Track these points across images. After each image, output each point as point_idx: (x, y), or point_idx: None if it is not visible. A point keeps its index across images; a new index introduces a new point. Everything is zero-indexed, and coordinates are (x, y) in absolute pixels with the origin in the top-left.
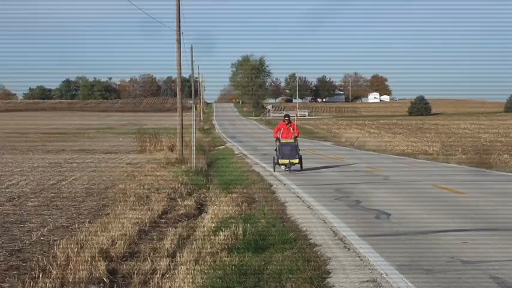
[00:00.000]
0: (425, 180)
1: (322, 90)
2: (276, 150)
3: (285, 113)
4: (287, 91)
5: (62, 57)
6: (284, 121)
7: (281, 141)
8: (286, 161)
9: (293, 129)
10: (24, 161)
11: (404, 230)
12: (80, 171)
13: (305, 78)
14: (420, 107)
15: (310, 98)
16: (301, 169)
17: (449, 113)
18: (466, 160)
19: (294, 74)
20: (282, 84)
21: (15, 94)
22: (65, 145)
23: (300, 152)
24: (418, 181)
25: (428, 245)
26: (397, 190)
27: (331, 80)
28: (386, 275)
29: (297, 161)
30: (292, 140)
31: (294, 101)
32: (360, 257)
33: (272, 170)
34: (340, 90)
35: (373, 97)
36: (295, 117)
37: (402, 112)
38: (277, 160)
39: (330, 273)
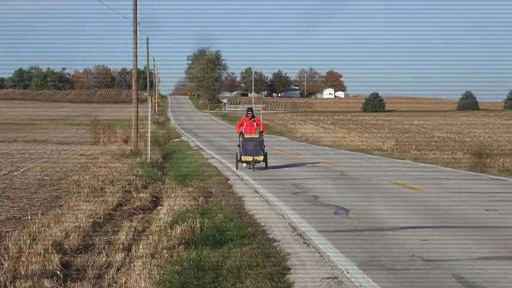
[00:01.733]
0: (382, 176)
1: (278, 85)
2: (238, 146)
3: (248, 106)
4: (243, 85)
5: (15, 47)
6: (247, 115)
7: (245, 136)
8: (250, 158)
9: (257, 124)
10: None
11: (363, 226)
12: (33, 162)
13: (261, 72)
14: (374, 104)
15: (265, 92)
16: (266, 167)
17: (402, 110)
18: (421, 157)
19: (249, 68)
20: (238, 78)
21: None
22: (17, 135)
23: (265, 149)
24: (374, 177)
25: (388, 242)
26: (354, 186)
27: (286, 75)
28: (348, 272)
29: (261, 158)
30: (257, 136)
31: (249, 95)
32: (319, 253)
33: (234, 167)
34: (296, 85)
35: (328, 93)
36: (260, 111)
37: (356, 108)
38: (240, 157)
39: (289, 269)
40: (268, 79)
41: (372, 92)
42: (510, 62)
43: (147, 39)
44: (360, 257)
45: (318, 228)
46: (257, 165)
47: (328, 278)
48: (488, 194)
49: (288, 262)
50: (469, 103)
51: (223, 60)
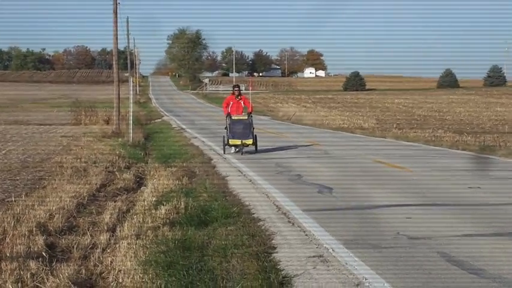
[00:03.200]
0: (364, 154)
1: (259, 64)
2: (226, 128)
3: (234, 83)
4: (224, 65)
5: None
6: (233, 93)
7: (232, 118)
8: (238, 142)
9: (244, 103)
10: None
11: (347, 205)
12: (14, 144)
13: (241, 52)
14: (355, 83)
15: (246, 72)
16: (256, 151)
17: (383, 88)
18: (402, 135)
19: (230, 48)
20: (219, 58)
21: None
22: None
23: (255, 131)
24: (357, 155)
25: (373, 220)
26: (337, 164)
27: (267, 54)
28: (333, 250)
29: (250, 141)
30: (245, 117)
31: (230, 75)
32: (304, 232)
33: (217, 147)
34: (277, 64)
35: (308, 72)
36: (249, 92)
37: (337, 87)
38: (228, 140)
39: (275, 248)
40: (249, 59)
41: (353, 71)
42: (490, 39)
43: (127, 19)
44: (345, 236)
45: (303, 207)
46: (246, 149)
47: (313, 257)
48: (471, 171)
49: (273, 241)
50: (448, 81)
51: (203, 39)
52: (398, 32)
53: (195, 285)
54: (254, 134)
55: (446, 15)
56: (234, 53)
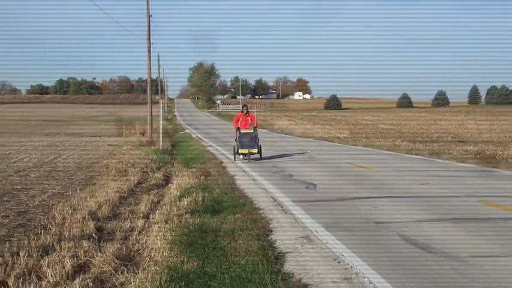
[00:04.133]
0: (341, 158)
1: (259, 89)
2: (236, 140)
3: (242, 104)
4: (232, 90)
5: (57, 60)
6: (242, 111)
7: (241, 131)
8: (246, 151)
9: (251, 119)
10: (27, 142)
11: (328, 197)
12: (72, 150)
13: (246, 80)
14: (333, 103)
15: (250, 95)
16: (261, 158)
17: (355, 107)
18: (370, 144)
19: (237, 76)
20: (228, 84)
21: (20, 90)
22: (59, 130)
23: (259, 142)
24: (335, 159)
25: (347, 209)
26: (320, 166)
27: (265, 81)
28: (317, 232)
29: (256, 150)
30: (252, 131)
31: (237, 97)
32: (295, 218)
33: (228, 153)
34: (273, 89)
35: (298, 95)
36: (254, 109)
37: (320, 107)
38: (237, 149)
39: (272, 231)
40: (252, 85)
41: (332, 94)
42: (437, 69)
43: (158, 56)
44: (326, 221)
45: (293, 199)
46: (252, 156)
47: (301, 237)
48: (422, 171)
49: (270, 225)
50: (405, 102)
51: (216, 70)
52: (366, 62)
53: (210, 259)
54: (259, 144)
55: (402, 49)
56: (240, 80)
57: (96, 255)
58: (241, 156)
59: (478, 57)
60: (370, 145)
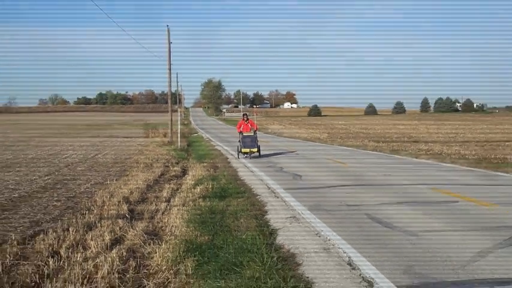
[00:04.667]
0: (321, 155)
1: (256, 100)
2: (239, 141)
3: (243, 112)
4: (235, 100)
5: (97, 77)
6: (243, 118)
7: (243, 134)
8: (247, 150)
9: (251, 125)
10: (74, 142)
11: (311, 185)
12: (109, 149)
13: (246, 92)
14: (315, 111)
15: (249, 105)
16: (259, 156)
17: (332, 115)
18: (343, 143)
19: (239, 90)
20: (232, 96)
21: (68, 101)
22: (99, 133)
23: (258, 143)
24: (316, 155)
25: (326, 195)
26: (305, 161)
27: (261, 94)
28: (302, 213)
29: (255, 149)
30: (252, 133)
31: (239, 107)
32: (284, 202)
33: (232, 151)
34: (267, 100)
35: (287, 105)
36: (254, 117)
37: (304, 114)
38: (241, 149)
39: (266, 212)
40: (250, 96)
41: (314, 103)
42: (395, 82)
43: (177, 74)
44: (309, 204)
45: (284, 187)
46: (252, 154)
47: (290, 217)
48: (385, 164)
49: (265, 208)
50: (371, 110)
51: (222, 85)
52: (341, 76)
53: (218, 234)
54: (258, 144)
55: (369, 62)
56: (241, 93)
57: (129, 231)
58: (244, 155)
59: (427, 73)
60: (344, 144)
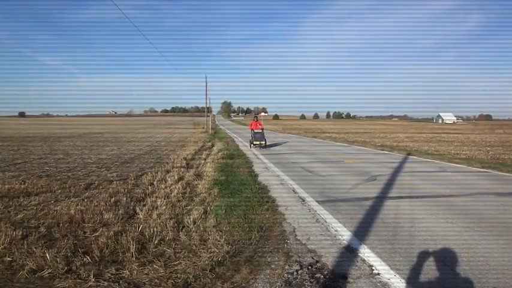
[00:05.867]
0: (279, 138)
1: (248, 111)
2: (251, 136)
3: (254, 114)
4: (236, 110)
5: (171, 99)
6: (254, 119)
7: (254, 131)
8: (258, 142)
9: (259, 124)
10: (159, 131)
11: (275, 152)
12: (176, 134)
13: (240, 106)
14: (275, 117)
15: (244, 113)
16: (265, 147)
17: (283, 119)
18: (289, 132)
19: (239, 106)
20: (236, 108)
21: (156, 110)
22: (170, 127)
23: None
24: (276, 139)
25: (282, 157)
26: (272, 141)
27: (249, 108)
28: (270, 166)
29: (263, 142)
30: (261, 130)
31: (239, 114)
32: (261, 160)
33: (239, 137)
34: (252, 110)
35: (263, 113)
36: (262, 119)
37: (270, 118)
38: (253, 141)
39: (253, 165)
40: (245, 109)
41: (275, 113)
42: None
43: (209, 98)
44: (273, 161)
45: (261, 153)
46: (262, 146)
47: (264, 168)
48: (309, 143)
49: (252, 163)
50: (302, 116)
51: (231, 103)
52: (294, 91)
53: (230, 176)
54: (265, 138)
55: (324, 75)
56: (240, 107)
57: (186, 173)
58: (254, 146)
59: (328, 94)
60: (289, 133)
